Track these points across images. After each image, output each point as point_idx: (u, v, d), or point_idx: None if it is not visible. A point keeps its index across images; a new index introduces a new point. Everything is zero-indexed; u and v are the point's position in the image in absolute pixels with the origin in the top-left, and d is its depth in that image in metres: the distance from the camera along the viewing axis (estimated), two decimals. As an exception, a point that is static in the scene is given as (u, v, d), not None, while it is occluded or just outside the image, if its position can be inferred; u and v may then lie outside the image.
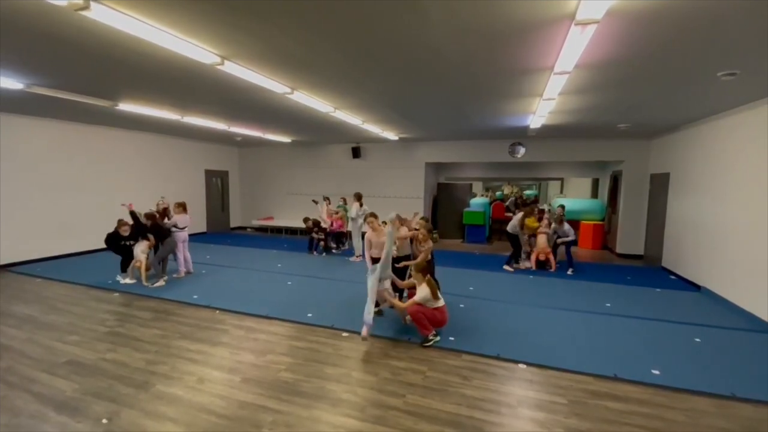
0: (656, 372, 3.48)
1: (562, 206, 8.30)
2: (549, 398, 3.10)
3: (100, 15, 2.76)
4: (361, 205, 8.27)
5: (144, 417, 2.80)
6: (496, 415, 2.88)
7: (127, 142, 9.22)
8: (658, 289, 6.29)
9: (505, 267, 7.59)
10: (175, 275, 6.48)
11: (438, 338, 4.06)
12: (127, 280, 6.11)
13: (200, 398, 3.04)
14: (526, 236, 7.81)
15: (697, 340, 4.27)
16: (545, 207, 11.24)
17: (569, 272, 7.28)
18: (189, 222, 6.71)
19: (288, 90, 4.90)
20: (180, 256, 6.58)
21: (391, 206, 7.88)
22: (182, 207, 6.55)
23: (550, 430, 2.70)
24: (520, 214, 7.79)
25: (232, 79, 4.45)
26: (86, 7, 2.62)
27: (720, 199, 5.87)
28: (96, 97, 5.62)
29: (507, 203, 13.62)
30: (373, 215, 5.08)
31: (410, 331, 4.33)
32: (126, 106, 6.16)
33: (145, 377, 3.35)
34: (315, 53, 3.66)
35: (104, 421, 2.75)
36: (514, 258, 7.73)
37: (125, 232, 6.11)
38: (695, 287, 6.40)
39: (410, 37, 3.23)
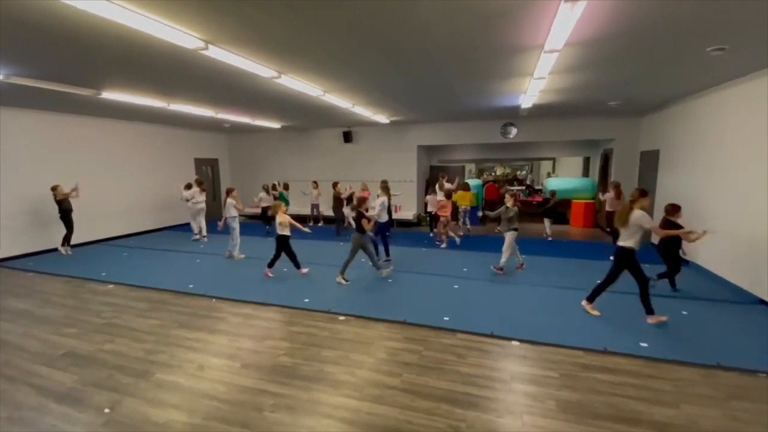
0: (644, 345, 3.60)
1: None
2: (541, 372, 3.20)
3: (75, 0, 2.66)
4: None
5: (146, 405, 2.85)
6: (490, 390, 2.96)
7: (115, 132, 9.03)
8: (647, 265, 6.38)
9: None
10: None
11: None
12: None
13: (201, 385, 3.09)
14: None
15: (684, 312, 4.41)
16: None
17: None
18: (192, 196, 8.70)
19: (275, 74, 4.80)
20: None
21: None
22: (188, 186, 8.87)
23: (543, 402, 2.80)
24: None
25: (217, 64, 4.34)
26: (61, -8, 2.53)
27: (708, 174, 5.94)
28: (78, 86, 5.46)
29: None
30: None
31: (406, 311, 4.40)
32: (110, 95, 6.00)
33: (144, 366, 3.39)
34: (301, 35, 3.58)
35: (106, 410, 2.78)
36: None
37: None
38: (683, 262, 6.52)
39: (398, 16, 3.17)
